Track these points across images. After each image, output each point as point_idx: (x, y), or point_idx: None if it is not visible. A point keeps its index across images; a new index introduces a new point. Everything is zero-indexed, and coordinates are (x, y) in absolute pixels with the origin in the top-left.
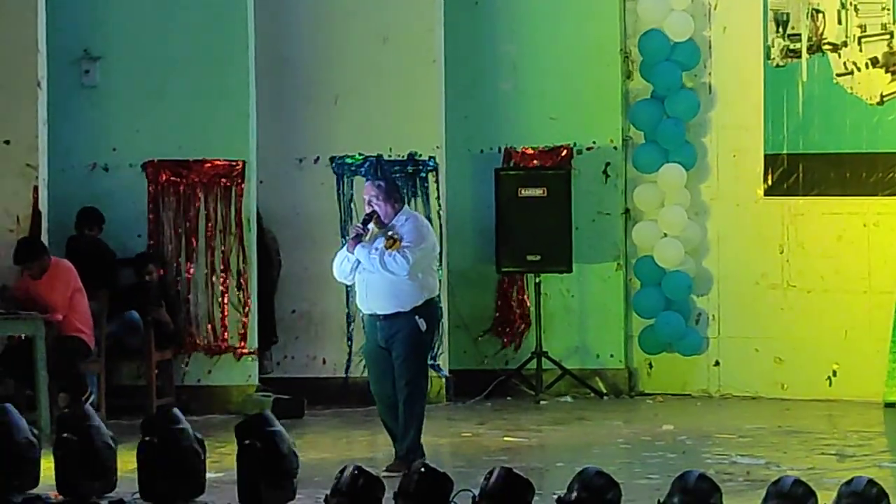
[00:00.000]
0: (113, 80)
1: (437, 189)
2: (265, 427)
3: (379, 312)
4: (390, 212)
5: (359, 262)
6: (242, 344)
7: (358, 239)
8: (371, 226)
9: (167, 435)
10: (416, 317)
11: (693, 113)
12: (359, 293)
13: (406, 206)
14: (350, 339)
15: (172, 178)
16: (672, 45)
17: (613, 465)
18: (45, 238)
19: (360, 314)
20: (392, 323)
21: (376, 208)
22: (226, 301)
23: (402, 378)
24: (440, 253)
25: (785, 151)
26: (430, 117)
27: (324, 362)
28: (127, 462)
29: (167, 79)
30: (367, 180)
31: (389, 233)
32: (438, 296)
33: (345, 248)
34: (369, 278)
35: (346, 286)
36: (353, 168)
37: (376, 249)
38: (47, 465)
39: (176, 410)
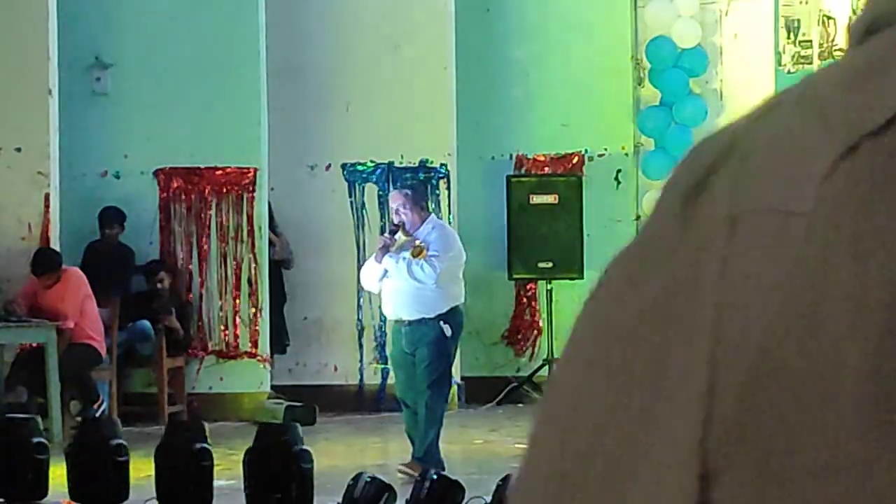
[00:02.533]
0: (124, 88)
1: (449, 196)
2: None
3: (404, 318)
4: (416, 220)
5: (386, 271)
6: (254, 351)
7: (385, 249)
8: (398, 235)
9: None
10: (441, 322)
11: (701, 119)
12: (385, 300)
13: (432, 214)
14: (361, 346)
15: (184, 186)
16: (680, 51)
17: None
18: (56, 245)
19: (377, 322)
20: (417, 328)
21: (403, 217)
22: (237, 308)
23: (424, 381)
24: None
25: None
26: (442, 124)
27: (335, 369)
28: (139, 469)
29: (179, 86)
30: (395, 189)
31: (417, 241)
32: (463, 303)
33: (373, 258)
34: (395, 285)
35: (359, 294)
36: (364, 175)
37: (404, 259)
38: (59, 473)
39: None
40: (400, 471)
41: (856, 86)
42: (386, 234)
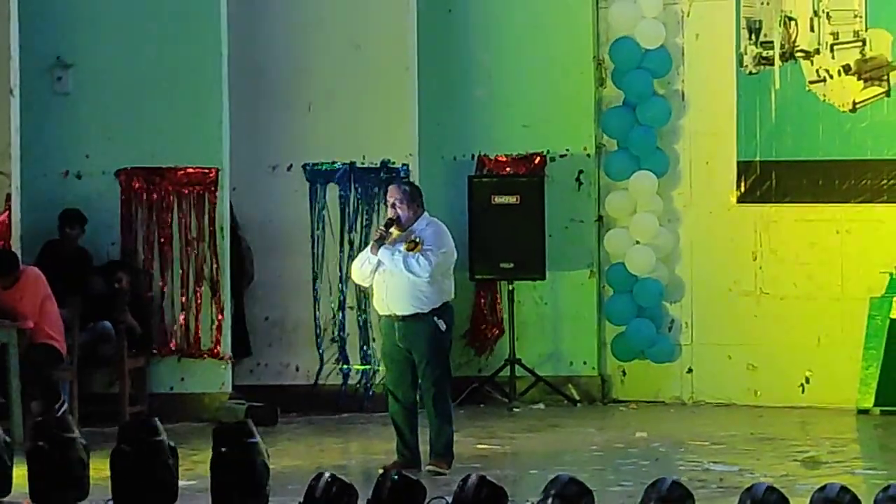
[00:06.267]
0: (85, 88)
1: None
2: (242, 437)
3: (398, 313)
4: (411, 216)
5: (379, 265)
6: (216, 351)
7: (381, 241)
8: (393, 229)
9: (141, 447)
10: (435, 318)
11: (664, 120)
12: (377, 295)
13: (426, 212)
14: (320, 346)
15: (145, 186)
16: (643, 52)
17: (586, 473)
18: (18, 246)
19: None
20: (411, 324)
21: (399, 212)
22: (199, 308)
23: (427, 379)
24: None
25: (758, 158)
26: (404, 125)
27: (297, 370)
28: (100, 469)
29: (140, 86)
30: (393, 183)
31: (411, 236)
32: (453, 298)
33: (366, 250)
34: (389, 280)
35: (315, 294)
36: (326, 175)
37: (399, 252)
38: (20, 473)
39: (155, 421)
40: (429, 471)
41: None
42: (381, 227)
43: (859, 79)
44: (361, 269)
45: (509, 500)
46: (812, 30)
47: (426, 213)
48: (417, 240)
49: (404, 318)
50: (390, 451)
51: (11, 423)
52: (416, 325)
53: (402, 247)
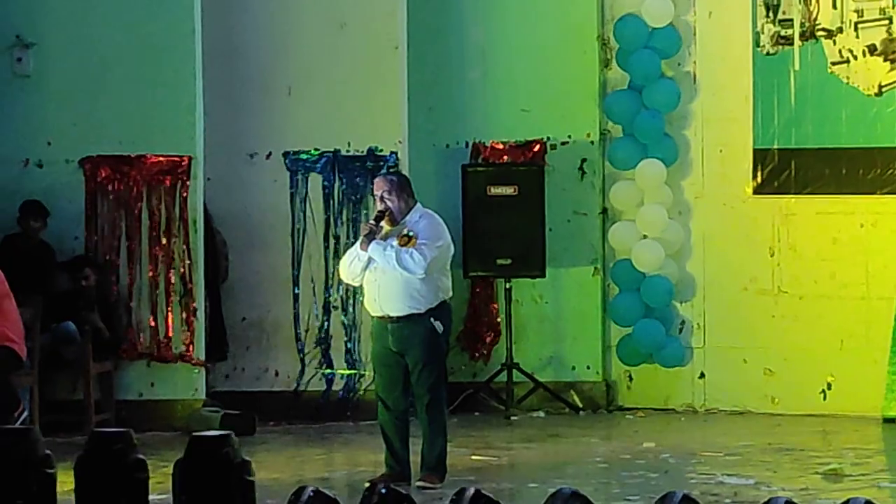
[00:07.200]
0: (48, 69)
1: None
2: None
3: (392, 314)
4: (403, 208)
5: (370, 262)
6: (188, 354)
7: (371, 236)
8: (383, 223)
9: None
10: (431, 319)
11: (673, 104)
12: (368, 294)
13: (418, 202)
14: (302, 350)
15: (113, 175)
16: (650, 31)
17: (590, 486)
18: None
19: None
20: (405, 325)
21: (389, 204)
22: (170, 308)
23: (421, 385)
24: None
25: (775, 146)
26: (392, 109)
27: (276, 374)
28: (62, 483)
29: (107, 67)
30: (378, 175)
31: (404, 230)
32: (451, 297)
33: (355, 246)
34: (381, 278)
35: (295, 293)
36: (308, 164)
37: (391, 247)
38: None
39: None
40: (420, 487)
41: None
42: (371, 221)
43: (885, 60)
44: (351, 267)
45: None
46: (835, 7)
47: (419, 205)
48: (411, 233)
49: (399, 319)
50: (378, 463)
51: None
52: (412, 326)
53: (395, 242)
